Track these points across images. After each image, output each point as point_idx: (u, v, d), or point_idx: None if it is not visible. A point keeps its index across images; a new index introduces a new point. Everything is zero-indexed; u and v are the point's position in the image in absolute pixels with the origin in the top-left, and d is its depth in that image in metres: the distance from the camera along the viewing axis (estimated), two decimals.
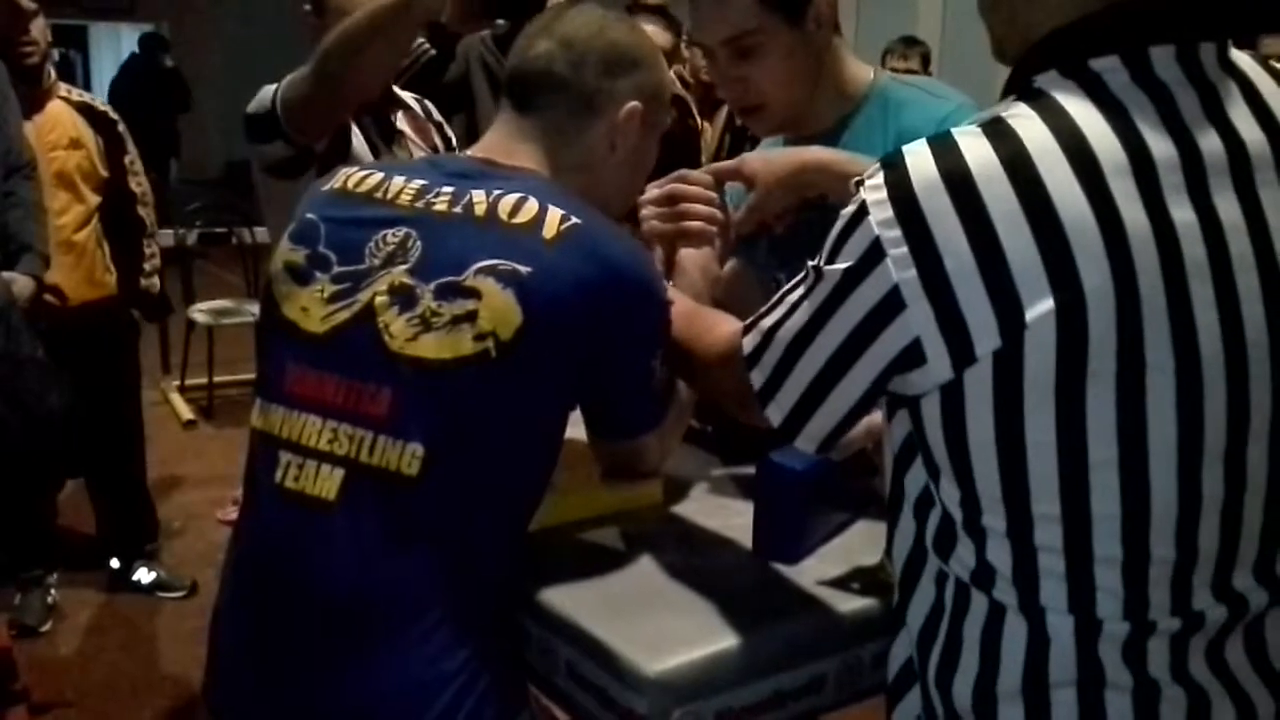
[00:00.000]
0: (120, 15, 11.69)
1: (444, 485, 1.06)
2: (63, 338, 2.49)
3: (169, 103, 9.78)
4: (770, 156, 1.41)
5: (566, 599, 1.13)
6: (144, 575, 3.22)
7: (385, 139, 2.08)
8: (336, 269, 1.13)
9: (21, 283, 2.44)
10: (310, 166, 1.85)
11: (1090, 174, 0.81)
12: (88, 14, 11.42)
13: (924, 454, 0.93)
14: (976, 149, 0.83)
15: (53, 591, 3.09)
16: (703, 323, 1.17)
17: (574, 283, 1.07)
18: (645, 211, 1.39)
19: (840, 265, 0.88)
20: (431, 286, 1.08)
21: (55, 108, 2.90)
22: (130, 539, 3.26)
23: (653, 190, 1.39)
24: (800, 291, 0.94)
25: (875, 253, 0.85)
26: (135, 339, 3.23)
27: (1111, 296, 0.79)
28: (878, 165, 0.88)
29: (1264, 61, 0.91)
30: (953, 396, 0.85)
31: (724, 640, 1.05)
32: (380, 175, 1.19)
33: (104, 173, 2.99)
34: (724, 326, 1.12)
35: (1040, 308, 0.80)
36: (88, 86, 9.47)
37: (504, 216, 1.10)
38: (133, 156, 3.10)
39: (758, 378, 0.98)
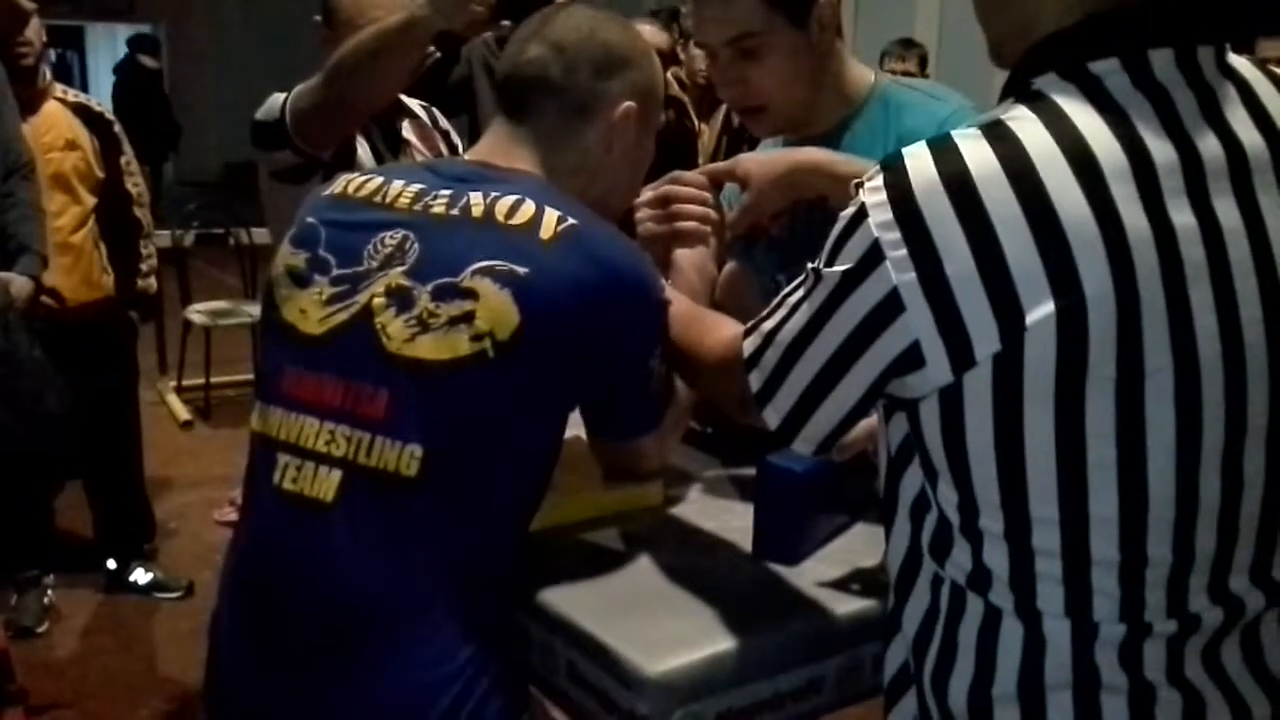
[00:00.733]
0: (117, 16, 11.66)
1: (443, 486, 1.06)
2: (60, 338, 2.48)
3: (157, 103, 9.77)
4: (764, 157, 1.41)
5: (567, 599, 1.13)
6: (141, 576, 3.21)
7: (391, 148, 2.09)
8: (335, 271, 1.14)
9: (19, 283, 2.43)
10: (316, 172, 1.86)
11: (1090, 177, 0.81)
12: (84, 14, 11.39)
13: (921, 457, 0.92)
14: (976, 151, 0.83)
15: (49, 592, 3.08)
16: (702, 325, 1.17)
17: (571, 283, 1.07)
18: (640, 214, 1.40)
19: (839, 267, 0.88)
20: (429, 288, 1.08)
21: (51, 109, 2.89)
22: (127, 540, 3.25)
23: (647, 193, 1.39)
24: (800, 294, 0.94)
25: (874, 255, 0.85)
26: (133, 340, 3.22)
27: (1112, 300, 0.79)
28: (877, 167, 0.87)
29: (1261, 65, 0.91)
30: (952, 400, 0.85)
31: (724, 641, 1.05)
32: (380, 179, 1.19)
33: (100, 174, 2.98)
34: (724, 329, 1.12)
35: (1040, 311, 0.80)
36: (84, 87, 9.46)
37: (501, 218, 1.10)
38: (129, 157, 3.09)
39: (756, 380, 0.98)
